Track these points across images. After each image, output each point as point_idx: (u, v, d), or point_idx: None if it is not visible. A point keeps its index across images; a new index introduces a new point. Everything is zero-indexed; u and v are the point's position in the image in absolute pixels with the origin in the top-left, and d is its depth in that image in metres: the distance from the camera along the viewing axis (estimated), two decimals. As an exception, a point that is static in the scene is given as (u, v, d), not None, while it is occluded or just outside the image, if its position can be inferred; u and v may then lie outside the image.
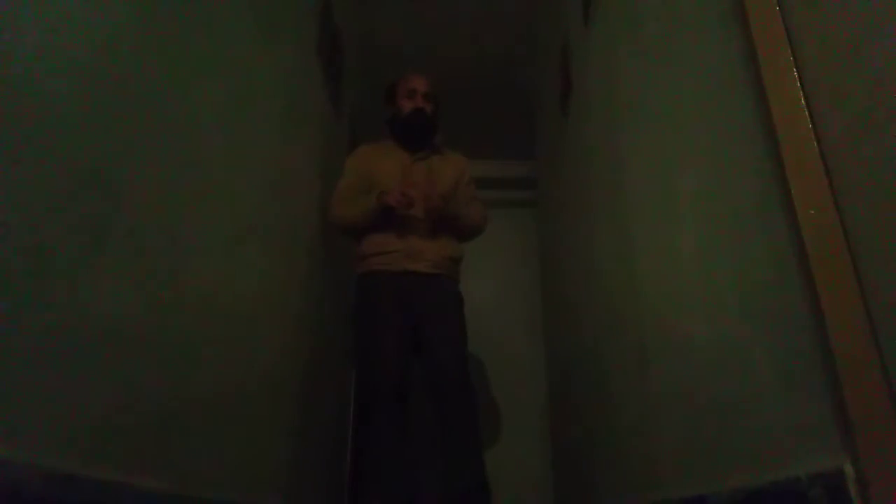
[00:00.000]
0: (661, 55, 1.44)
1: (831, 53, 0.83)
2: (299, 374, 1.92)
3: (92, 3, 0.87)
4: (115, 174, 0.91)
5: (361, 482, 2.81)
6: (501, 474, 3.21)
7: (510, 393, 3.56)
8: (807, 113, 0.85)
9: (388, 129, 2.33)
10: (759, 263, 0.96)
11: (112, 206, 0.90)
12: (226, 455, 1.28)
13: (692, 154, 1.25)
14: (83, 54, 0.84)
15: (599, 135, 2.03)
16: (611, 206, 1.87)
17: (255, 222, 1.52)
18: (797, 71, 0.87)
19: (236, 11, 1.42)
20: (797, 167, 0.84)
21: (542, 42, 3.15)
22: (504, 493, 3.20)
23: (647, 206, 1.53)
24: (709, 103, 1.17)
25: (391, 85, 2.35)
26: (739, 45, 1.01)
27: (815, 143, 0.83)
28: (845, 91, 0.79)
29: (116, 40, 0.93)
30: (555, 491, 3.15)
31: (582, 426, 2.34)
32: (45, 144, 0.76)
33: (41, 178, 0.75)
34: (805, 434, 0.83)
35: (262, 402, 1.54)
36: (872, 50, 0.75)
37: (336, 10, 2.53)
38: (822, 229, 0.79)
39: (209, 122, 1.26)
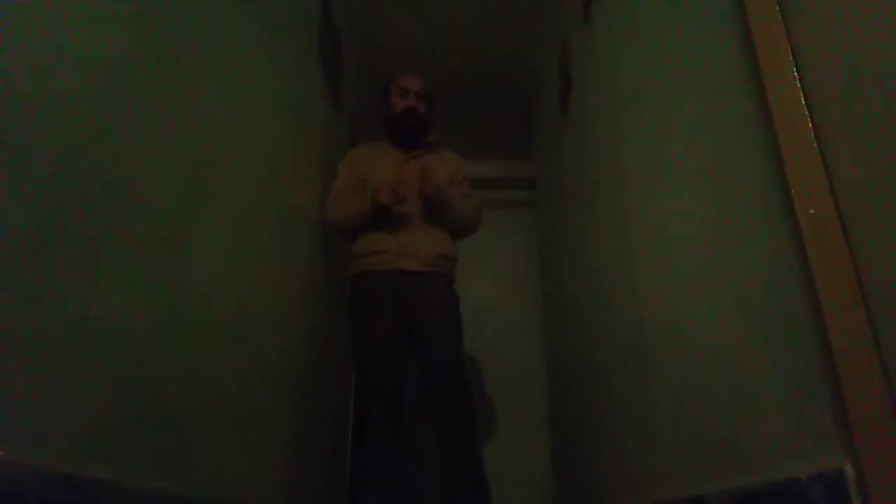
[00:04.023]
0: (660, 55, 1.44)
1: (831, 53, 0.83)
2: (299, 375, 1.92)
3: (93, 4, 0.87)
4: (116, 174, 0.91)
5: (360, 483, 2.81)
6: (501, 474, 3.20)
7: (510, 393, 3.56)
8: (807, 113, 0.85)
9: (382, 129, 2.34)
10: (759, 263, 0.96)
11: (112, 205, 0.90)
12: (226, 455, 1.28)
13: (692, 154, 1.25)
14: (84, 55, 0.84)
15: (599, 134, 2.03)
16: (610, 206, 1.87)
17: (255, 222, 1.52)
18: (797, 71, 0.87)
19: (236, 12, 1.42)
20: (797, 167, 0.84)
21: (542, 42, 3.15)
22: (504, 493, 3.19)
23: (646, 206, 1.53)
24: (709, 103, 1.17)
25: (385, 84, 2.36)
26: (739, 44, 1.01)
27: (815, 143, 0.83)
28: (845, 91, 0.79)
29: (118, 41, 0.93)
30: (554, 491, 3.15)
31: (582, 426, 2.34)
32: (45, 145, 0.76)
33: (41, 177, 0.75)
34: (805, 434, 0.83)
35: (262, 402, 1.54)
36: (873, 49, 0.75)
37: (336, 10, 2.53)
38: (822, 229, 0.79)
39: (209, 122, 1.26)
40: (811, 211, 0.81)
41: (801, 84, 0.86)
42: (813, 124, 0.84)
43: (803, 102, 0.85)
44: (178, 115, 1.11)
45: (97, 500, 0.82)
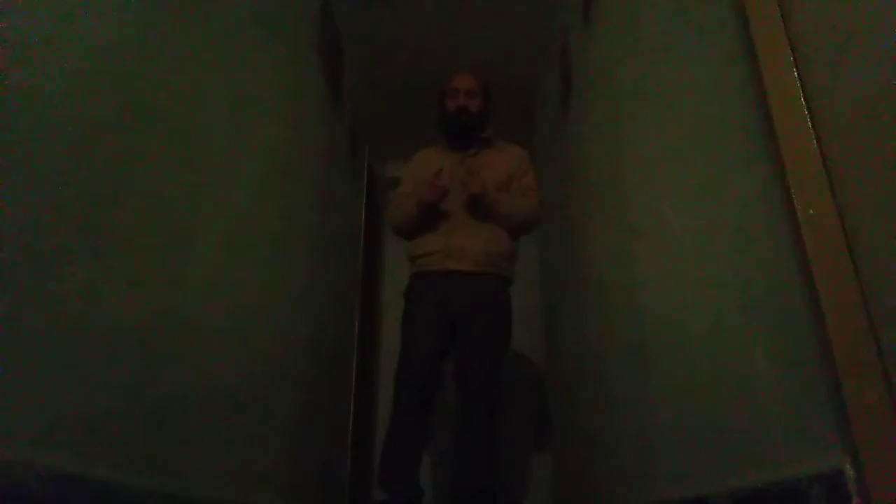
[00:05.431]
0: (661, 54, 1.44)
1: (831, 54, 0.83)
2: (299, 374, 1.92)
3: (92, 4, 0.87)
4: (115, 174, 0.91)
5: (360, 479, 2.81)
6: (501, 474, 3.21)
7: (510, 393, 3.56)
8: (807, 113, 0.84)
9: (440, 131, 2.33)
10: (759, 263, 0.96)
11: (112, 206, 0.90)
12: (225, 455, 1.28)
13: (692, 153, 1.25)
14: (83, 56, 0.84)
15: (599, 133, 2.03)
16: (610, 205, 1.88)
17: (254, 223, 1.52)
18: (797, 71, 0.87)
19: (236, 12, 1.42)
20: (797, 167, 0.84)
21: (542, 41, 3.15)
22: (504, 493, 3.19)
23: (646, 205, 1.53)
24: (709, 102, 1.17)
25: (440, 87, 2.34)
26: (739, 44, 1.01)
27: (815, 143, 0.83)
28: (845, 91, 0.79)
29: (117, 42, 0.93)
30: (555, 491, 3.15)
31: (582, 426, 2.34)
32: (45, 145, 0.76)
33: (41, 178, 0.75)
34: (805, 434, 0.83)
35: (262, 402, 1.54)
36: (872, 50, 0.75)
37: (336, 10, 2.53)
38: (822, 229, 0.79)
39: (209, 122, 1.26)
40: (811, 211, 0.81)
41: (801, 84, 0.86)
42: (813, 124, 0.84)
43: (803, 102, 0.85)
44: (176, 114, 1.11)
45: (97, 500, 0.82)
